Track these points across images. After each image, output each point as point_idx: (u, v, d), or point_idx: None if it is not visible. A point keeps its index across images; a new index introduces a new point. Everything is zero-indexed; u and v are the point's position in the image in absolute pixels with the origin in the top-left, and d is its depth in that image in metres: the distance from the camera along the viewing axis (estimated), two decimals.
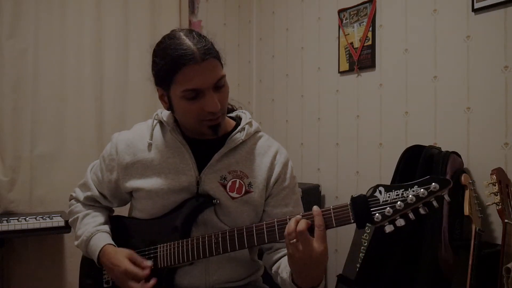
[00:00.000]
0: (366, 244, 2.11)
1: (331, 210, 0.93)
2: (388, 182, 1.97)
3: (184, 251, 1.07)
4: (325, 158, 2.66)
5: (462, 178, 1.69)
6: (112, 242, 1.16)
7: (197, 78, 1.01)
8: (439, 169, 1.77)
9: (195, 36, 1.04)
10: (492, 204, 1.58)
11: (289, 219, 0.95)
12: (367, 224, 0.91)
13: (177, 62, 1.00)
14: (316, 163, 2.72)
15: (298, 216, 0.95)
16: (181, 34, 1.05)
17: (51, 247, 2.44)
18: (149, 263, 1.08)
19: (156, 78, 1.09)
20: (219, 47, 1.07)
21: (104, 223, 1.22)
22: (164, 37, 1.08)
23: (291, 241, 0.92)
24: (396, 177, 1.94)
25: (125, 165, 1.16)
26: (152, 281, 1.05)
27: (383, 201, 0.89)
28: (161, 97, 1.12)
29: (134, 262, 1.08)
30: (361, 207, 0.90)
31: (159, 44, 1.08)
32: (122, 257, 1.08)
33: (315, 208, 0.95)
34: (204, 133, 1.10)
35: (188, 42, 1.02)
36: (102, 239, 1.15)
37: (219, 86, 1.05)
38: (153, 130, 1.18)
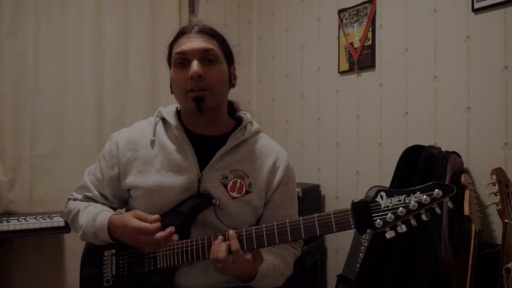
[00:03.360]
0: (366, 244, 2.11)
1: (332, 215, 0.93)
2: (388, 182, 1.97)
3: (183, 252, 1.06)
4: (325, 158, 2.66)
5: (462, 178, 1.69)
6: (116, 212, 1.13)
7: (186, 44, 1.11)
8: (439, 169, 1.77)
9: (206, 24, 1.17)
10: (492, 204, 1.58)
11: (215, 239, 1.02)
12: (368, 229, 0.91)
13: (178, 35, 1.15)
14: (316, 163, 2.72)
15: (220, 238, 1.01)
16: (198, 22, 1.18)
17: (51, 247, 2.44)
18: (156, 216, 1.04)
19: (168, 59, 1.19)
20: (231, 44, 1.18)
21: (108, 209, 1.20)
22: None
23: (217, 266, 0.99)
24: (396, 177, 1.93)
25: (126, 161, 1.16)
26: (161, 233, 1.02)
27: (384, 207, 0.89)
28: (170, 80, 1.19)
29: (141, 219, 1.05)
30: (362, 213, 0.90)
31: None
32: (128, 217, 1.06)
33: (230, 232, 1.00)
34: (191, 110, 1.12)
35: (194, 24, 1.16)
36: (107, 214, 1.12)
37: (208, 59, 1.10)
38: (155, 127, 1.19)
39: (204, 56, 1.10)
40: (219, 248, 0.98)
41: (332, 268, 2.57)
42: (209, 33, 1.13)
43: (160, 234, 1.00)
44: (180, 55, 1.10)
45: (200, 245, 1.05)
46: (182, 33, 1.14)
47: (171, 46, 1.16)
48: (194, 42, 1.10)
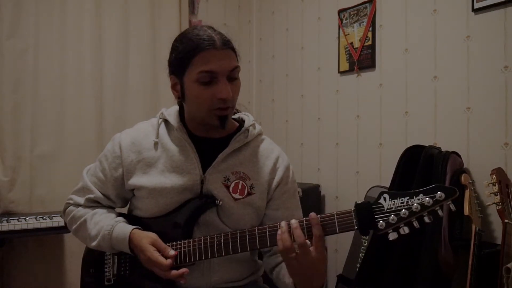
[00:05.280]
0: (366, 244, 2.11)
1: (335, 216, 0.93)
2: (388, 182, 1.97)
3: (185, 252, 1.07)
4: (325, 158, 2.66)
5: (462, 178, 1.68)
6: (135, 226, 1.12)
7: (214, 62, 1.05)
8: (439, 169, 1.77)
9: (216, 29, 1.11)
10: (492, 204, 1.58)
11: (280, 227, 0.95)
12: (371, 231, 0.91)
13: (198, 45, 1.05)
14: (316, 163, 2.72)
15: (284, 226, 0.94)
16: (204, 26, 1.12)
17: (51, 247, 2.44)
18: (172, 252, 1.05)
19: (172, 65, 1.12)
20: (236, 46, 1.15)
21: (117, 216, 1.19)
22: (186, 29, 1.17)
23: (290, 256, 0.92)
24: (396, 177, 1.93)
25: (130, 162, 1.16)
26: (175, 272, 1.03)
27: (387, 209, 0.90)
28: (173, 87, 1.15)
29: (159, 249, 1.05)
30: (365, 214, 0.90)
31: (181, 33, 1.14)
32: (146, 244, 1.06)
33: (313, 215, 0.94)
34: (212, 124, 1.11)
35: (210, 31, 1.08)
36: (124, 227, 1.12)
37: (233, 77, 1.10)
38: (158, 128, 1.19)
39: (230, 74, 1.09)
40: (297, 235, 0.92)
41: (332, 268, 2.57)
42: (231, 47, 1.10)
43: (174, 273, 1.02)
44: (209, 73, 1.05)
45: (203, 245, 1.05)
46: (204, 45, 1.05)
47: (187, 57, 1.06)
48: (222, 61, 1.06)
